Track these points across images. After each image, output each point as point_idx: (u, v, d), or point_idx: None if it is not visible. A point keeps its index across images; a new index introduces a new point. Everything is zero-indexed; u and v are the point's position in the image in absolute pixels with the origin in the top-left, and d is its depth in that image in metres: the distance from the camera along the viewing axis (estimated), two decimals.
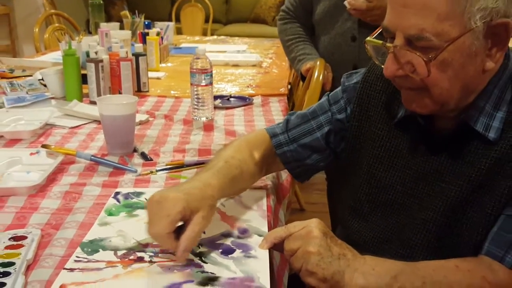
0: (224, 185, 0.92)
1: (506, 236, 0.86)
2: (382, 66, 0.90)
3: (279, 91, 2.10)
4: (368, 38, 0.92)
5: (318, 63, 1.73)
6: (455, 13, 0.80)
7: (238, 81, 2.30)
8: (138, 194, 1.09)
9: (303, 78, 1.95)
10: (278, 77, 2.41)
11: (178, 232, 0.82)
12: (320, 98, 1.75)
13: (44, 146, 1.26)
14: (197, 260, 0.84)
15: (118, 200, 1.06)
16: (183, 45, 3.40)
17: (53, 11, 3.87)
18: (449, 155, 0.94)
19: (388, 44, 0.87)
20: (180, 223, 0.83)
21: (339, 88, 1.12)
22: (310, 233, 0.84)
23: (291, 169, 1.13)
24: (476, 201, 0.90)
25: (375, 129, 1.04)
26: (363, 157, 1.06)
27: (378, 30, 0.91)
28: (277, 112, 1.77)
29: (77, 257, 0.85)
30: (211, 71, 1.64)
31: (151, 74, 2.21)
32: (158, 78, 2.32)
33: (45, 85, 1.97)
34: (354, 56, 1.82)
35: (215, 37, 3.98)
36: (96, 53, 1.83)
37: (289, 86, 2.38)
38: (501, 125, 0.89)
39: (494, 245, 0.86)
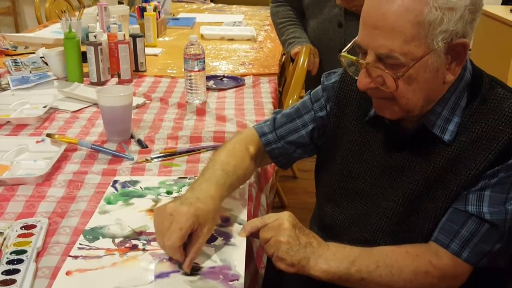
0: (223, 194, 1.02)
1: (453, 226, 0.99)
2: (356, 78, 1.01)
3: (271, 69, 2.20)
4: (343, 54, 1.02)
5: (304, 49, 1.82)
6: (419, 35, 0.91)
7: (232, 59, 2.39)
8: (134, 182, 1.22)
9: (292, 60, 2.05)
10: (271, 53, 2.49)
11: (184, 242, 0.91)
12: (305, 83, 1.87)
13: (48, 135, 1.38)
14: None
15: (116, 189, 1.19)
16: (180, 15, 3.46)
17: None
18: (410, 152, 1.06)
19: (361, 61, 0.98)
20: None
21: (319, 87, 1.22)
22: (281, 225, 0.97)
23: (277, 162, 1.25)
24: (430, 194, 1.02)
25: (349, 125, 1.15)
26: (338, 149, 1.17)
27: (351, 45, 1.02)
28: (266, 95, 1.88)
29: (80, 244, 0.98)
30: (204, 57, 1.74)
31: (148, 50, 2.30)
32: (155, 55, 2.41)
33: (47, 63, 2.07)
34: (340, 41, 1.91)
35: (212, 5, 4.02)
36: (95, 36, 1.92)
37: (282, 61, 2.47)
38: (456, 128, 1.01)
39: (442, 234, 0.99)
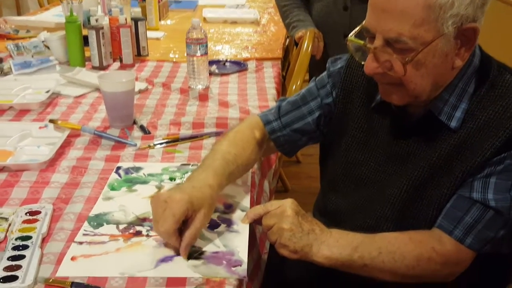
0: (221, 183, 1.02)
1: (457, 213, 0.99)
2: (363, 63, 1.00)
3: (274, 54, 2.18)
4: (350, 37, 1.01)
5: (308, 34, 1.81)
6: (429, 19, 0.90)
7: (234, 42, 2.37)
8: (137, 169, 1.22)
9: (296, 44, 2.03)
10: (275, 37, 2.48)
11: (181, 228, 0.93)
12: (308, 68, 1.86)
13: (51, 121, 1.38)
14: None
15: (119, 175, 1.19)
16: None
17: None
18: (416, 139, 1.05)
19: (369, 45, 0.96)
20: None
21: (325, 73, 1.21)
22: (284, 212, 0.97)
23: (282, 150, 1.25)
24: (435, 181, 1.02)
25: (355, 111, 1.15)
26: (343, 136, 1.17)
27: (359, 29, 1.01)
28: (269, 80, 1.87)
29: (85, 230, 0.99)
30: (206, 42, 1.73)
31: (150, 34, 2.29)
32: (157, 39, 2.40)
33: (49, 48, 2.06)
34: (345, 24, 1.89)
35: None
36: (96, 20, 1.91)
37: (285, 45, 2.46)
38: (463, 115, 1.00)
39: (445, 220, 1.00)
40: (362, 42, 0.98)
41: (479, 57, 1.02)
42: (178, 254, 0.92)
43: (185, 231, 0.92)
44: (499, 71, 1.01)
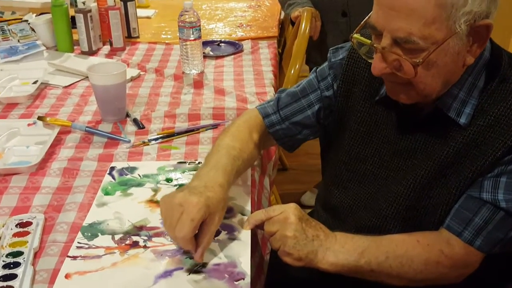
0: (230, 181, 0.98)
1: (466, 213, 0.95)
2: (369, 61, 0.95)
3: (269, 32, 2.10)
4: (356, 36, 0.95)
5: (305, 14, 1.73)
6: (441, 18, 0.83)
7: (228, 20, 2.29)
8: (132, 169, 1.17)
9: (292, 23, 1.95)
10: (270, 12, 2.39)
11: None
12: (306, 49, 1.78)
13: (40, 118, 1.32)
14: None
15: (113, 177, 1.14)
16: None
17: None
18: (423, 135, 1.00)
19: (376, 45, 0.90)
20: None
21: (326, 64, 1.15)
22: (287, 219, 0.93)
23: (282, 143, 1.20)
24: (442, 180, 0.98)
25: (357, 105, 1.09)
26: (346, 130, 1.12)
27: (363, 24, 0.94)
28: (266, 62, 1.80)
29: (78, 243, 0.94)
30: (199, 25, 1.66)
31: (140, 12, 2.20)
32: (148, 17, 2.31)
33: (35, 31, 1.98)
34: (342, 1, 1.81)
35: None
36: (83, 3, 1.82)
37: (281, 21, 2.37)
38: (472, 111, 0.95)
39: (454, 221, 0.96)
40: (369, 41, 0.92)
41: (489, 50, 0.96)
42: (178, 267, 0.88)
43: (200, 235, 0.89)
44: (510, 64, 0.95)
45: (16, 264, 0.88)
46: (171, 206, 0.88)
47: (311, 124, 1.16)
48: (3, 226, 0.98)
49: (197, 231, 0.88)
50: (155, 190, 1.09)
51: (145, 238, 0.96)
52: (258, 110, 1.18)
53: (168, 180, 1.13)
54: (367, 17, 0.91)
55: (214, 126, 1.34)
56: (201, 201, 0.87)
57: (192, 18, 1.64)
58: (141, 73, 1.71)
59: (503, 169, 0.92)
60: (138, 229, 0.98)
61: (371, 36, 0.93)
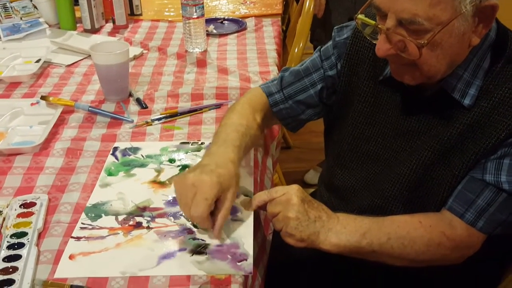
0: (240, 157, 0.99)
1: (468, 195, 0.95)
2: (373, 42, 0.94)
3: (273, 9, 2.08)
4: (361, 16, 0.94)
5: None
6: None
7: None
8: (135, 150, 1.17)
9: (297, 0, 1.93)
10: None
11: None
12: (311, 27, 1.76)
13: (43, 97, 1.32)
14: (189, 224, 0.95)
15: (116, 157, 1.14)
16: None
17: None
18: (427, 116, 1.00)
19: (380, 26, 0.89)
20: None
21: (330, 43, 1.15)
22: (290, 200, 0.93)
23: (286, 124, 1.20)
24: (445, 161, 0.98)
25: (361, 85, 1.09)
26: (349, 110, 1.12)
27: (367, 4, 0.93)
28: (269, 40, 1.78)
29: (82, 223, 0.95)
30: (203, 2, 1.64)
31: None
32: None
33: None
34: None
35: None
36: None
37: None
38: (477, 92, 0.94)
39: (456, 202, 0.96)
40: (373, 22, 0.91)
41: (495, 30, 0.95)
42: (182, 248, 0.89)
43: (215, 212, 0.90)
44: None
45: (21, 245, 0.89)
46: (184, 187, 0.89)
47: (314, 104, 1.16)
48: (7, 207, 0.98)
49: (212, 209, 0.89)
50: (158, 171, 1.10)
51: (148, 219, 0.97)
52: (262, 88, 1.17)
53: (171, 160, 1.13)
54: None
55: (217, 106, 1.34)
56: (214, 179, 0.88)
57: None
58: (144, 51, 1.70)
59: (506, 151, 0.92)
60: (141, 209, 0.99)
61: (376, 16, 0.92)
